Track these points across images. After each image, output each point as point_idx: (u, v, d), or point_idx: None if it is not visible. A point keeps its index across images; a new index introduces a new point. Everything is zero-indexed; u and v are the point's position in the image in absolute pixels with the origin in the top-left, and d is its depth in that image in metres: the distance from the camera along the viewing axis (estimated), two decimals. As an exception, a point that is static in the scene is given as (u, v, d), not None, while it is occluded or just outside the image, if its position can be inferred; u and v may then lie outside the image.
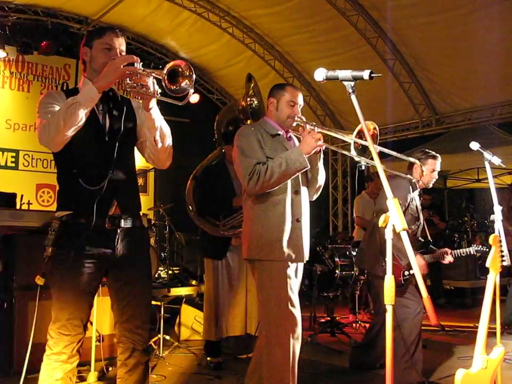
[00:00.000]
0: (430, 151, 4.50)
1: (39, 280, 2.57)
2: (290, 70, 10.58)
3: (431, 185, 4.55)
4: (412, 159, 3.73)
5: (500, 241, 2.98)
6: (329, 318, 6.51)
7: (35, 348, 2.73)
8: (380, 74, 2.08)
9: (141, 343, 2.79)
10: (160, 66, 2.49)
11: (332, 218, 12.05)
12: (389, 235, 1.90)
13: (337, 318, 6.73)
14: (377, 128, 2.97)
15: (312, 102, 11.04)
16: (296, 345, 3.22)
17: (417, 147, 10.22)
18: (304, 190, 3.43)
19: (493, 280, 2.81)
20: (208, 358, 4.92)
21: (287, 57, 10.46)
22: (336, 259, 6.42)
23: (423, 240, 4.58)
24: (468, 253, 4.45)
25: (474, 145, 3.71)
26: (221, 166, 5.05)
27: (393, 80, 9.40)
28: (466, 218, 10.79)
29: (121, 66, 2.48)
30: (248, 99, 4.68)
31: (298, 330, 3.23)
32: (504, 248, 3.13)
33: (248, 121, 4.63)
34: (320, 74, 2.24)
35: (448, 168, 10.65)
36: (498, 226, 3.31)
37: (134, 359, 2.78)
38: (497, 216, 3.35)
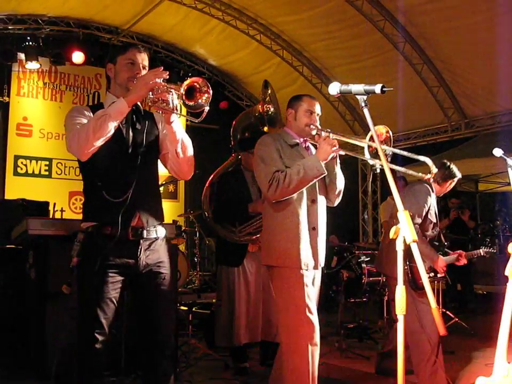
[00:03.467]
0: (453, 169, 4.51)
1: (66, 290, 2.68)
2: (319, 76, 10.59)
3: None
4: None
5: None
6: (356, 324, 6.52)
7: (64, 353, 2.84)
8: (391, 88, 2.13)
9: (165, 351, 2.87)
10: (190, 74, 2.57)
11: (362, 223, 12.00)
12: (400, 247, 1.94)
13: (364, 323, 6.73)
14: (390, 132, 3.02)
15: (340, 107, 11.03)
16: (315, 352, 3.27)
17: (447, 151, 10.21)
18: (321, 198, 3.49)
19: (512, 288, 2.81)
20: (235, 364, 4.98)
21: (315, 63, 10.47)
22: (363, 265, 6.43)
23: (437, 243, 4.59)
24: (479, 255, 4.72)
25: (497, 152, 3.70)
26: (238, 173, 5.07)
27: (422, 85, 9.35)
28: (498, 222, 10.64)
29: (151, 82, 2.58)
30: (265, 106, 4.70)
31: (317, 336, 3.29)
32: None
33: (265, 128, 4.65)
34: (334, 88, 2.28)
35: (479, 172, 10.53)
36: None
37: (159, 365, 2.87)
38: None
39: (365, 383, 4.75)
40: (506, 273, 2.82)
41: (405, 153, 2.84)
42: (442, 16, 7.98)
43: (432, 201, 4.44)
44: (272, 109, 4.67)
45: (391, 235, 1.95)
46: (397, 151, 2.86)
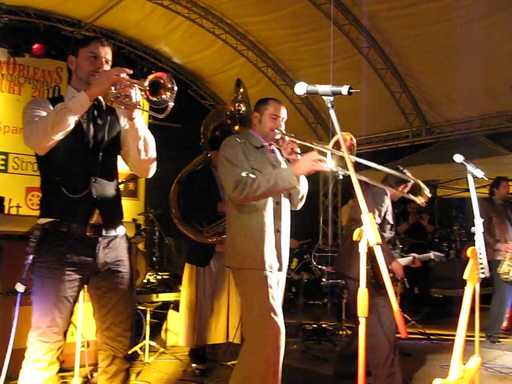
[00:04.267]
0: (406, 173, 4.40)
1: (19, 287, 2.58)
2: (283, 77, 10.61)
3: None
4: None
5: (478, 253, 3.02)
6: (315, 326, 6.53)
7: (17, 354, 2.73)
8: (359, 90, 2.12)
9: (121, 351, 2.82)
10: (153, 72, 2.53)
11: (322, 226, 12.06)
12: (363, 249, 1.93)
13: (323, 325, 6.75)
14: (354, 139, 3.01)
15: (304, 110, 11.08)
16: (279, 354, 3.24)
17: (408, 156, 10.35)
18: (285, 201, 3.49)
19: (470, 291, 2.85)
20: (193, 365, 4.92)
21: (279, 65, 10.50)
22: (323, 267, 6.46)
23: (391, 247, 4.65)
24: (429, 257, 4.99)
25: (458, 158, 3.75)
26: (206, 171, 5.01)
27: (385, 90, 9.46)
28: (455, 228, 10.83)
29: (114, 76, 2.52)
30: (237, 104, 4.66)
31: (281, 338, 3.26)
32: (484, 260, 3.18)
33: (236, 127, 4.60)
34: (300, 88, 2.26)
35: (438, 178, 10.69)
36: (479, 238, 3.35)
37: (114, 366, 2.82)
38: (477, 228, 3.39)
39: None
40: (465, 277, 2.85)
41: (370, 163, 2.83)
42: (405, 23, 8.11)
43: (388, 202, 4.50)
44: (243, 108, 4.62)
45: (355, 237, 1.94)
46: (361, 160, 2.85)
